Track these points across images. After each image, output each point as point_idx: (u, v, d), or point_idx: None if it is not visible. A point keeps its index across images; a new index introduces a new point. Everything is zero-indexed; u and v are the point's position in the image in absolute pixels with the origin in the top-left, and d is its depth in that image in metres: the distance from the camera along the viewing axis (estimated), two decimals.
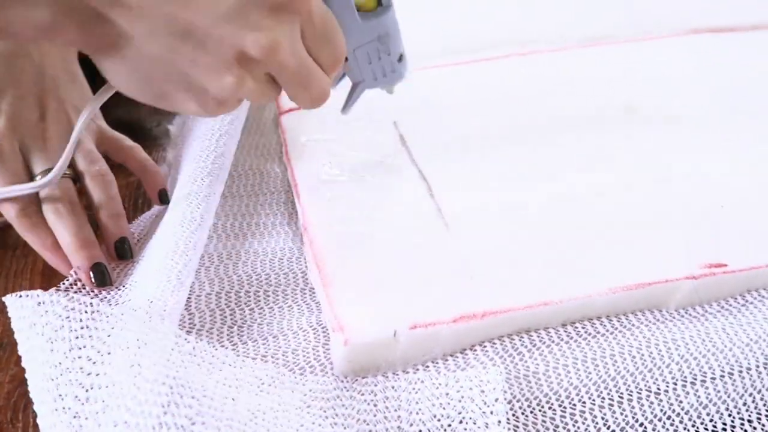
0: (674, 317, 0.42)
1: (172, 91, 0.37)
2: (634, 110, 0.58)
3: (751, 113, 0.58)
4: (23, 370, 0.40)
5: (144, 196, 0.53)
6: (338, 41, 0.40)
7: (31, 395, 0.35)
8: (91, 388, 0.33)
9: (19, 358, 0.41)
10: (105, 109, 0.52)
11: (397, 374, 0.39)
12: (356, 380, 0.39)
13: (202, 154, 0.49)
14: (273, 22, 0.36)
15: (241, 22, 0.35)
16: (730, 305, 0.43)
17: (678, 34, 0.69)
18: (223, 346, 0.41)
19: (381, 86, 0.47)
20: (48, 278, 0.46)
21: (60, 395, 0.33)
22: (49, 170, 0.45)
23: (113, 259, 0.45)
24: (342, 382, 0.38)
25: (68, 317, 0.35)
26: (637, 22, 0.70)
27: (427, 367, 0.39)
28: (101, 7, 0.33)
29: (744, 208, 0.47)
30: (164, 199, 0.49)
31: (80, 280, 0.43)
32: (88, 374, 0.34)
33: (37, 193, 0.45)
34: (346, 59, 0.42)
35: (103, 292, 0.43)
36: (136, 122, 0.61)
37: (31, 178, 0.46)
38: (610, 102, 0.59)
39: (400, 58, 0.46)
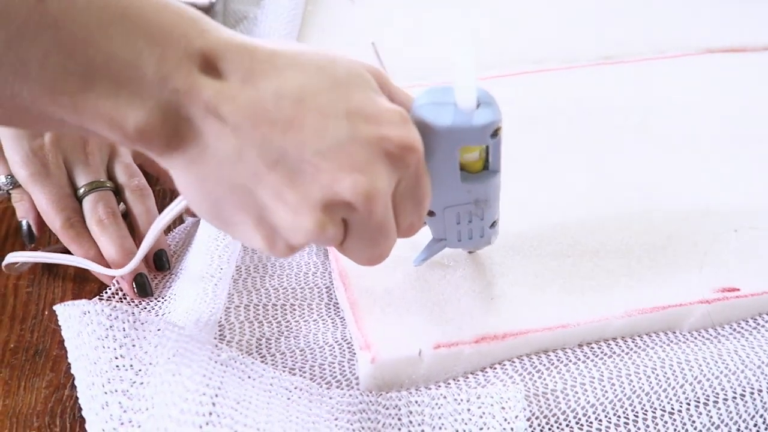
0: (687, 339, 0.44)
1: (240, 221, 0.32)
2: (648, 130, 0.59)
3: (765, 134, 0.59)
4: (59, 376, 0.42)
5: (170, 203, 0.54)
6: (426, 205, 0.36)
7: (79, 401, 0.36)
8: (136, 398, 0.35)
9: (54, 364, 0.43)
10: None
11: (420, 390, 0.40)
12: (381, 395, 0.40)
13: None
14: (378, 167, 0.31)
15: (343, 160, 0.30)
16: (742, 328, 0.44)
17: (692, 53, 0.70)
18: (252, 358, 0.42)
19: (464, 248, 0.44)
20: (80, 284, 0.48)
21: (106, 402, 0.34)
22: (92, 183, 0.47)
23: (152, 270, 0.46)
24: (367, 396, 0.40)
25: (112, 326, 0.37)
26: (652, 41, 0.71)
27: (449, 384, 0.41)
28: (195, 116, 0.29)
29: (756, 232, 0.48)
30: None
31: (122, 290, 0.45)
32: (132, 383, 0.35)
33: (80, 205, 0.47)
34: (433, 213, 0.39)
35: (143, 303, 0.44)
36: None
37: (74, 190, 0.47)
38: (624, 122, 0.60)
39: (493, 225, 0.41)
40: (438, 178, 0.36)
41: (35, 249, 0.49)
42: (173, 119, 0.29)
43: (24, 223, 0.49)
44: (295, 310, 0.46)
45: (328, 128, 0.30)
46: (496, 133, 0.37)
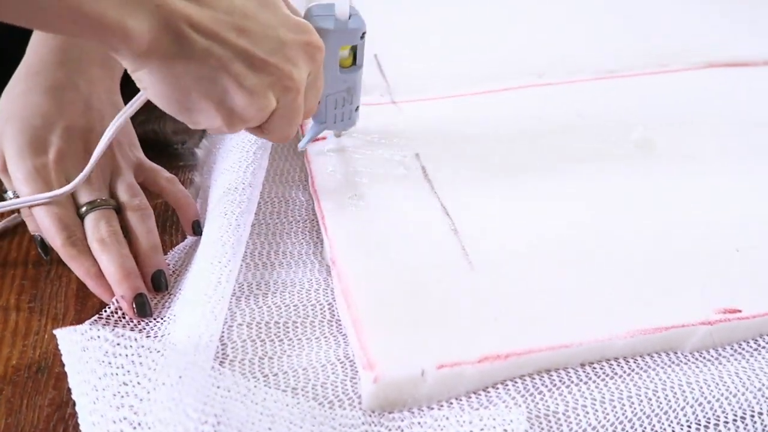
0: (689, 360, 0.44)
1: (204, 106, 0.41)
2: (650, 145, 0.59)
3: (767, 151, 0.59)
4: (61, 394, 0.42)
5: (172, 218, 0.55)
6: (321, 92, 0.47)
7: (81, 428, 0.36)
8: (137, 425, 0.34)
9: (56, 382, 0.43)
10: (133, 125, 0.54)
11: (423, 410, 0.40)
12: (383, 415, 0.40)
13: (230, 186, 0.51)
14: (301, 61, 0.43)
15: (284, 56, 0.41)
16: (743, 349, 0.45)
17: (694, 67, 0.70)
18: (254, 377, 0.42)
19: (337, 129, 0.56)
20: (82, 301, 0.48)
21: (108, 430, 0.34)
22: (94, 201, 0.47)
23: (150, 290, 0.46)
24: (370, 416, 0.40)
25: (114, 353, 0.36)
26: (654, 55, 0.71)
27: (451, 404, 0.41)
28: (183, 25, 0.38)
29: (758, 252, 0.48)
30: (197, 230, 0.51)
31: (121, 309, 0.45)
32: (132, 408, 0.35)
33: (82, 223, 0.47)
34: (318, 101, 0.48)
35: (143, 323, 0.44)
36: (162, 140, 0.63)
37: (77, 208, 0.47)
38: (626, 137, 0.60)
39: (357, 109, 0.55)
40: (324, 72, 0.47)
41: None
42: (168, 29, 0.37)
43: (37, 236, 0.49)
44: (297, 327, 0.46)
45: (269, 35, 0.41)
46: (362, 36, 0.50)
